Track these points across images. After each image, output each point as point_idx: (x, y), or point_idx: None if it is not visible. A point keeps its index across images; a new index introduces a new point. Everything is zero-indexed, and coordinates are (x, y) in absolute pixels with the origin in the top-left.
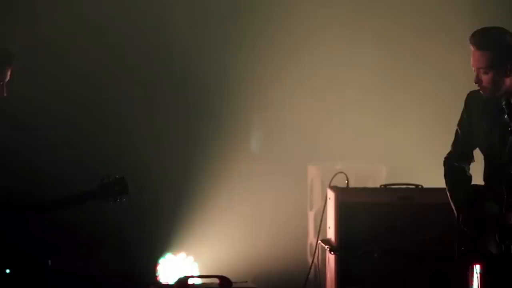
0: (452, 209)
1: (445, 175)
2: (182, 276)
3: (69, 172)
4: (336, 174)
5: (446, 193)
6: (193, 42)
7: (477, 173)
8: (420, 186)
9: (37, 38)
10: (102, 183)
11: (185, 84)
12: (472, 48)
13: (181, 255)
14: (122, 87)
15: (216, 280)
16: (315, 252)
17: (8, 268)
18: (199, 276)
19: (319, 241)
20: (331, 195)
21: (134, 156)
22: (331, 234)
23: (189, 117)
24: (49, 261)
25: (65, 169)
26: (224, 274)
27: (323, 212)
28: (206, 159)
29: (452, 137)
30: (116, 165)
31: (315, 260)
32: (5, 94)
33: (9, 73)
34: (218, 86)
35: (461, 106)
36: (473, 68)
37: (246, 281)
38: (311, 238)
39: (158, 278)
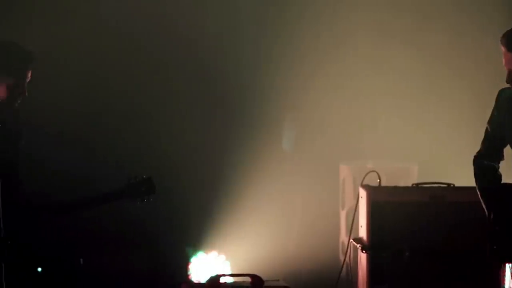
0: (483, 207)
1: (474, 174)
2: (213, 274)
3: (98, 172)
4: (368, 173)
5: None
6: (225, 41)
7: (507, 171)
8: (452, 185)
9: (64, 37)
10: (130, 183)
11: (218, 83)
12: (503, 49)
13: (213, 254)
14: (153, 87)
15: (248, 279)
16: (347, 250)
17: (40, 267)
18: (231, 275)
19: (351, 240)
20: (363, 194)
21: (167, 155)
22: (363, 232)
23: (222, 117)
24: (81, 260)
25: (93, 169)
26: (255, 273)
27: (355, 211)
28: (238, 158)
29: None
30: (149, 164)
31: (347, 258)
32: (26, 94)
33: (30, 74)
34: (251, 86)
35: (492, 104)
36: (505, 68)
37: (278, 280)
38: (343, 237)
39: (190, 277)
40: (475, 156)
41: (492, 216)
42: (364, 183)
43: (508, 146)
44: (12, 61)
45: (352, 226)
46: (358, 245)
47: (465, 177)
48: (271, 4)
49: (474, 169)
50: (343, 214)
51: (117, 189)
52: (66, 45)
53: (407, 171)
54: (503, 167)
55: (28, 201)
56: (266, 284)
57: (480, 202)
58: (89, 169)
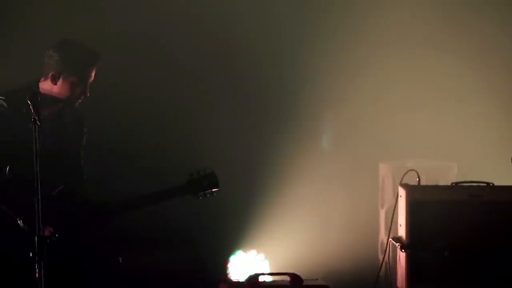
0: None
1: None
2: (252, 273)
3: (157, 169)
4: (407, 172)
5: None
6: (267, 41)
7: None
8: (491, 184)
9: (115, 36)
10: (191, 178)
11: (258, 83)
12: None
13: (252, 253)
14: (201, 87)
15: (287, 278)
16: (386, 249)
17: (78, 265)
18: (270, 274)
19: (390, 239)
20: (402, 192)
21: (206, 155)
22: (402, 231)
23: (261, 116)
24: (120, 259)
25: (152, 166)
26: (294, 272)
27: (394, 209)
28: (277, 156)
29: None
30: (190, 164)
31: (386, 257)
32: (88, 94)
33: (93, 73)
34: (291, 84)
35: None
36: None
37: (317, 279)
38: (382, 236)
39: (229, 276)
40: None
41: None
42: (404, 182)
43: None
44: (76, 59)
45: (391, 225)
46: (397, 244)
47: (504, 176)
48: (310, 4)
49: None
50: (382, 213)
51: (178, 185)
52: (116, 44)
53: (446, 170)
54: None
55: (90, 199)
56: (305, 283)
57: None
58: (148, 166)
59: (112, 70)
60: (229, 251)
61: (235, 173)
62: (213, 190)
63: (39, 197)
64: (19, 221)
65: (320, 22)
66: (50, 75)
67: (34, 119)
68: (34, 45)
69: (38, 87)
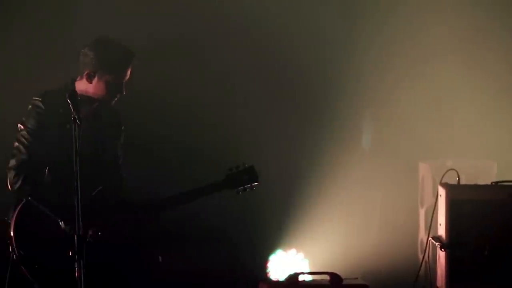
0: None
1: None
2: (292, 272)
3: (194, 165)
4: (447, 171)
5: None
6: (306, 41)
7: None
8: None
9: (149, 35)
10: (231, 173)
11: (299, 82)
12: None
13: (292, 252)
14: (236, 86)
15: (327, 277)
16: (425, 248)
17: (119, 264)
18: (310, 273)
19: (430, 238)
20: (442, 192)
21: (244, 154)
22: (441, 231)
23: (301, 115)
24: (160, 258)
25: (190, 162)
26: (334, 271)
27: (434, 209)
28: (318, 155)
29: None
30: (228, 163)
31: (426, 256)
32: (124, 93)
33: (129, 72)
34: (331, 84)
35: None
36: None
37: (357, 278)
38: (422, 235)
39: (268, 275)
40: None
41: None
42: (443, 181)
43: None
44: (112, 58)
45: (431, 224)
46: (437, 243)
47: None
48: (352, 5)
49: None
50: (422, 212)
51: (217, 180)
52: (152, 42)
53: (486, 169)
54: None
55: (129, 199)
56: (344, 282)
57: None
58: (187, 162)
59: (148, 69)
60: (269, 250)
61: (275, 172)
62: (253, 184)
63: (79, 196)
64: (60, 223)
65: (362, 22)
66: (85, 74)
67: (74, 118)
68: (71, 46)
69: (74, 87)
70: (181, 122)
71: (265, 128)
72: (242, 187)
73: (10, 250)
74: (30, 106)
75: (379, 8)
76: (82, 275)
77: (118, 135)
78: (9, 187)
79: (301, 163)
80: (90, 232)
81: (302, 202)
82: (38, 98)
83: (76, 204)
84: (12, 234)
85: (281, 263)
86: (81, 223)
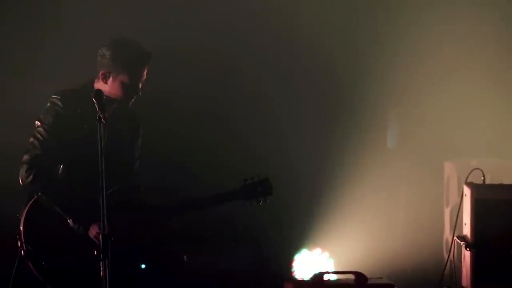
0: None
1: None
2: (317, 272)
3: (213, 172)
4: (472, 171)
5: None
6: (332, 41)
7: None
8: None
9: (175, 36)
10: (246, 184)
11: (323, 81)
12: None
13: (317, 251)
14: (261, 88)
15: (352, 276)
16: (450, 248)
17: (144, 264)
18: (335, 272)
19: (455, 238)
20: (467, 191)
21: (269, 153)
22: (467, 230)
23: (326, 113)
24: (185, 257)
25: (208, 169)
26: (359, 270)
27: (459, 208)
28: (342, 154)
29: None
30: (253, 164)
31: (451, 256)
32: (140, 94)
33: (145, 72)
34: (355, 83)
35: None
36: None
37: (382, 277)
38: (447, 234)
39: (293, 274)
40: None
41: None
42: (468, 180)
43: None
44: (128, 58)
45: (456, 223)
46: (462, 242)
47: None
48: (381, 5)
49: None
50: (447, 212)
51: (232, 190)
52: (176, 44)
53: (511, 169)
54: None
55: (143, 200)
56: (370, 281)
57: None
58: (204, 169)
59: (170, 71)
60: (294, 249)
61: (301, 172)
62: (266, 197)
63: (104, 196)
64: (68, 221)
65: (387, 22)
66: (100, 74)
67: (99, 117)
68: (91, 46)
69: (93, 87)
70: (200, 126)
71: (291, 128)
72: (255, 199)
73: (19, 245)
74: (48, 104)
75: (407, 9)
76: (107, 275)
77: (136, 137)
78: (21, 181)
79: (327, 163)
80: (94, 232)
81: (328, 202)
82: (57, 96)
83: (101, 203)
84: (21, 228)
85: (306, 263)
86: (106, 222)
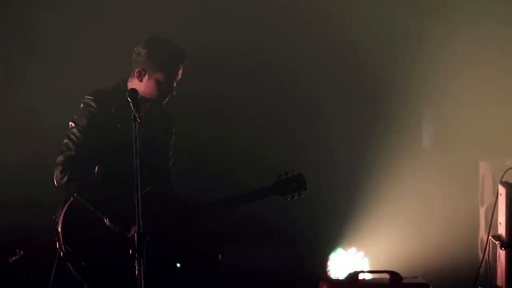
0: None
1: None
2: (352, 271)
3: (247, 169)
4: (507, 170)
5: None
6: (365, 37)
7: None
8: None
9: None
10: (280, 179)
11: (357, 80)
12: None
13: (352, 250)
14: (302, 86)
15: (386, 275)
16: (485, 247)
17: (179, 263)
18: (370, 271)
19: (490, 237)
20: (502, 191)
21: (305, 152)
22: (502, 230)
23: (361, 113)
24: (220, 256)
25: (243, 166)
26: (394, 269)
27: (494, 208)
28: (377, 154)
29: None
30: (288, 162)
31: (486, 255)
32: (174, 93)
33: (180, 72)
34: (390, 82)
35: None
36: None
37: (417, 277)
38: (482, 234)
39: (328, 273)
40: None
41: None
42: (504, 180)
43: None
44: (162, 56)
45: (491, 223)
46: (497, 242)
47: None
48: (420, 5)
49: None
50: (482, 211)
51: (266, 186)
52: (205, 44)
53: None
54: None
55: (177, 199)
56: (404, 281)
57: None
58: (239, 166)
59: (201, 71)
60: (329, 249)
61: (335, 171)
62: (301, 192)
63: (139, 196)
64: (105, 220)
65: (423, 23)
66: (136, 72)
67: (134, 116)
68: (125, 46)
69: (126, 87)
70: (235, 125)
71: (327, 129)
72: (290, 195)
73: (57, 247)
74: (82, 105)
75: (446, 9)
76: (142, 274)
77: (169, 136)
78: (56, 183)
79: (362, 162)
80: (132, 232)
81: (363, 201)
82: (90, 97)
83: (136, 203)
84: (59, 230)
85: (341, 262)
86: (141, 222)
